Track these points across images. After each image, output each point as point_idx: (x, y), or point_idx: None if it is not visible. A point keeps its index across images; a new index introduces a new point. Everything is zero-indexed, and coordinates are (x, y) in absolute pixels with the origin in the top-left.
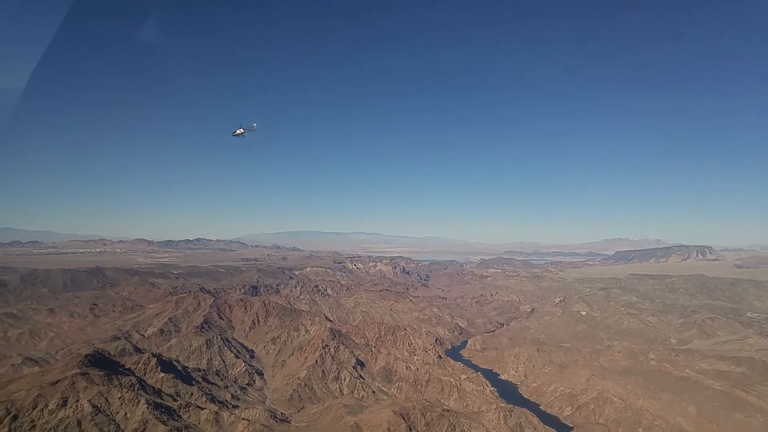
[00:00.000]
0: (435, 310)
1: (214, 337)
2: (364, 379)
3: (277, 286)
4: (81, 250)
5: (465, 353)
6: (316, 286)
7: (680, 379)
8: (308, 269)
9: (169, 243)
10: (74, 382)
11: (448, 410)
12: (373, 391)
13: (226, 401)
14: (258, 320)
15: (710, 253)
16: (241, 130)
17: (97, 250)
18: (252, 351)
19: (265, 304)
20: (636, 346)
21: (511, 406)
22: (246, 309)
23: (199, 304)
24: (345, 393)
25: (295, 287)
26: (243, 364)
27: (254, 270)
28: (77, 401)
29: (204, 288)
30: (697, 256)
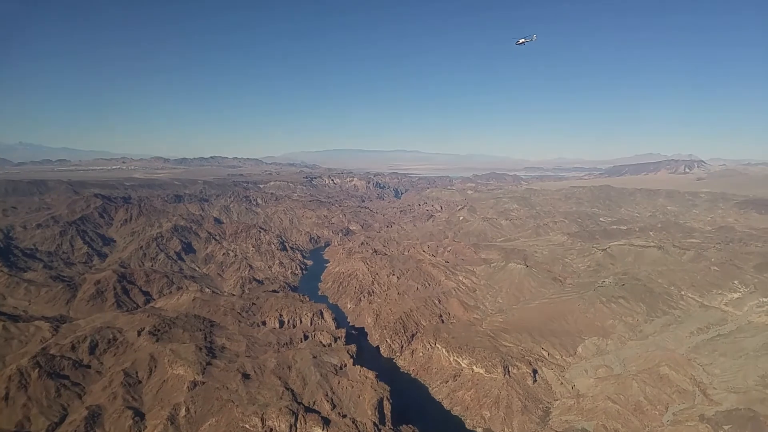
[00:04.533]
0: (339, 216)
1: (70, 229)
2: (176, 260)
3: (217, 196)
4: (98, 168)
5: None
6: (247, 197)
7: (412, 261)
8: (272, 183)
9: (183, 160)
10: None
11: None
12: (180, 269)
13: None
14: (131, 218)
15: (697, 166)
16: (523, 39)
17: (114, 167)
18: (113, 240)
19: (140, 206)
20: (441, 242)
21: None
22: (126, 210)
23: (88, 205)
24: (155, 267)
25: (229, 197)
26: (87, 248)
27: (201, 183)
28: None
29: (111, 197)
30: (684, 169)
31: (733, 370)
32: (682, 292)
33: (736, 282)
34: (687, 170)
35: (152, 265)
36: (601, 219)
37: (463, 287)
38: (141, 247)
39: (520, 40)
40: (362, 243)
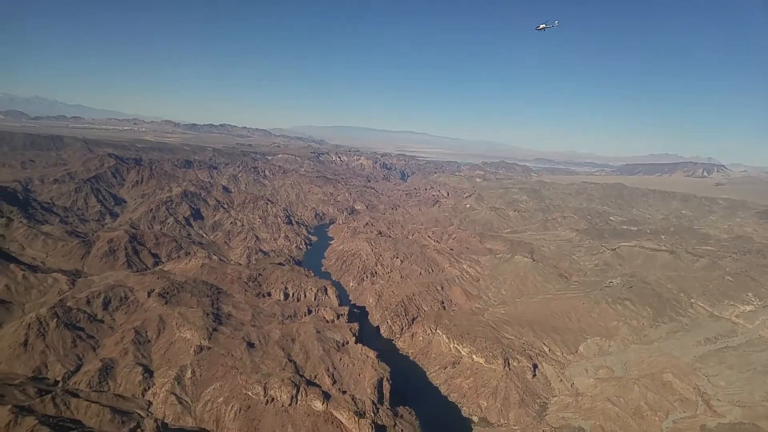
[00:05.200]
0: (345, 194)
1: (84, 186)
2: (185, 225)
3: (226, 165)
4: (111, 127)
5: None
6: (255, 168)
7: (416, 246)
8: (279, 156)
9: (193, 126)
10: None
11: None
12: (188, 234)
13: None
14: (142, 180)
15: (717, 171)
16: (543, 25)
17: (126, 128)
18: (124, 200)
19: (151, 169)
20: (446, 229)
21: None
22: (138, 172)
23: (102, 164)
24: (164, 230)
25: (238, 167)
26: (100, 206)
27: (211, 150)
28: None
29: (124, 158)
30: (702, 173)
31: (739, 383)
32: (692, 300)
33: (750, 294)
34: (705, 174)
35: (161, 228)
36: (611, 218)
37: (467, 276)
38: (151, 209)
39: (541, 26)
40: (367, 223)
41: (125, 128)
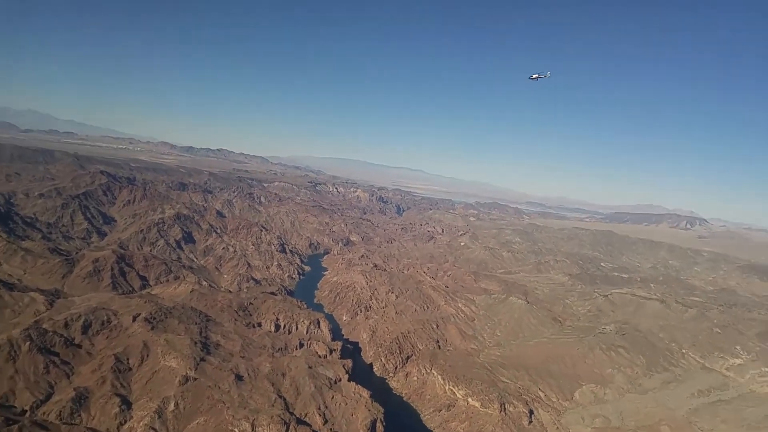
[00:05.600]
0: (341, 225)
1: (72, 203)
2: (175, 248)
3: (221, 189)
4: (105, 145)
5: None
6: (251, 194)
7: (411, 281)
8: (275, 183)
9: (190, 149)
10: None
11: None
12: (178, 257)
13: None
14: (134, 200)
15: (699, 224)
16: (536, 75)
17: (121, 147)
18: (114, 219)
19: (144, 189)
20: (442, 266)
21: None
22: (131, 191)
23: (93, 181)
24: (154, 252)
25: (233, 192)
26: (87, 224)
27: (207, 174)
28: None
29: (117, 176)
30: (686, 225)
31: None
32: (683, 350)
33: (738, 347)
34: (689, 226)
35: (151, 250)
36: (602, 264)
37: (462, 315)
38: (142, 230)
39: (534, 76)
40: (362, 256)
41: (120, 147)
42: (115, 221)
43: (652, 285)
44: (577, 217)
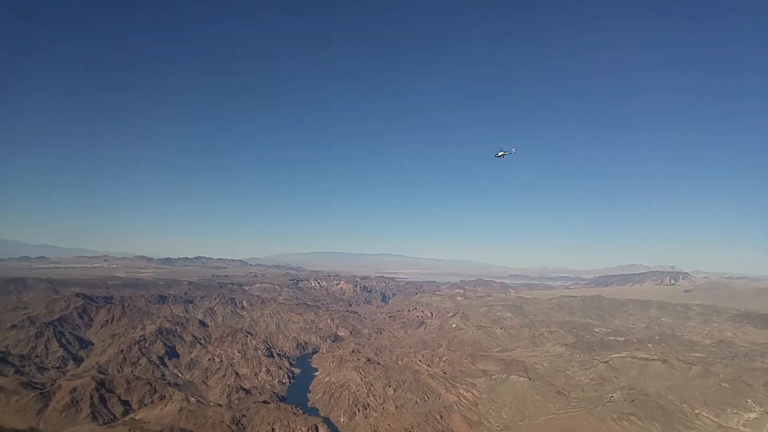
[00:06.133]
0: (327, 320)
1: (46, 330)
2: (158, 365)
3: (202, 298)
4: (80, 266)
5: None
6: (233, 299)
7: (408, 372)
8: (257, 285)
9: (167, 260)
10: None
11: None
12: (162, 374)
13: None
14: (113, 319)
15: (683, 278)
16: (502, 152)
17: (96, 265)
18: (91, 343)
19: (123, 306)
20: (436, 351)
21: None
22: (109, 311)
23: (68, 305)
24: (136, 372)
25: (214, 299)
26: (62, 351)
27: (186, 284)
28: None
29: (93, 296)
30: (670, 281)
31: None
32: (696, 411)
33: (749, 400)
34: (673, 282)
35: (132, 371)
36: (596, 329)
37: (465, 401)
38: (122, 350)
39: (500, 153)
40: (353, 350)
41: (95, 266)
42: (93, 344)
43: (650, 345)
44: (562, 285)
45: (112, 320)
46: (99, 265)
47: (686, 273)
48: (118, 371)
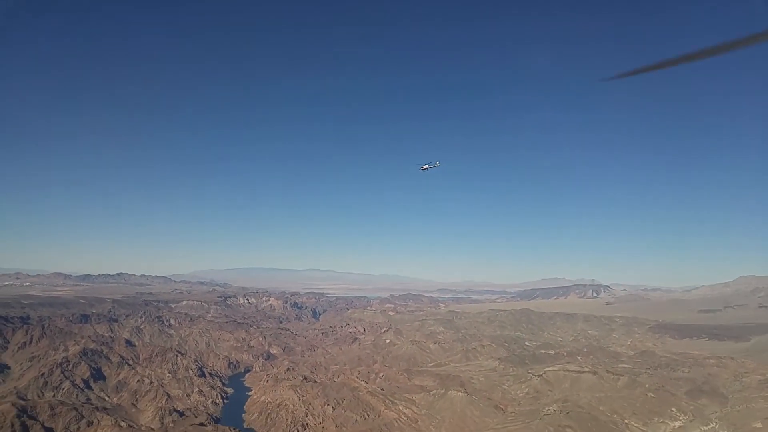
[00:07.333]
0: (259, 338)
1: None
2: (83, 389)
3: (127, 316)
4: None
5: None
6: (159, 317)
7: (346, 389)
8: (183, 302)
9: (87, 277)
10: None
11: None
12: (88, 398)
13: None
14: (31, 341)
15: (604, 291)
16: (426, 165)
17: (7, 283)
18: (7, 367)
19: (42, 327)
20: (372, 368)
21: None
22: (27, 332)
23: None
24: (59, 397)
25: (140, 318)
26: None
27: (110, 302)
28: None
29: (8, 317)
30: (593, 294)
31: None
32: (626, 421)
33: (673, 409)
34: (595, 294)
35: (55, 395)
36: (526, 343)
37: (405, 418)
38: (42, 374)
39: (424, 166)
40: (288, 369)
41: (6, 283)
42: (9, 368)
43: (579, 357)
44: (489, 298)
45: (31, 342)
46: (11, 283)
47: (607, 286)
48: (38, 396)
